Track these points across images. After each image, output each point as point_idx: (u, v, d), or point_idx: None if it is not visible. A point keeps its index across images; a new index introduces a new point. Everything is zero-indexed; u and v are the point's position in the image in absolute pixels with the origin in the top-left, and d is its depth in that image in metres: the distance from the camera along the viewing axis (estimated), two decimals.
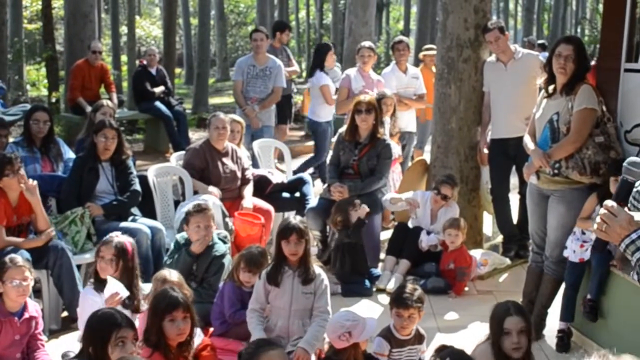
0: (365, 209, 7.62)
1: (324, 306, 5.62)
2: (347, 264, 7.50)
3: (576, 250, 6.03)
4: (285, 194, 8.90)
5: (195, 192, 8.01)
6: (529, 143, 6.47)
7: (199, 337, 5.34)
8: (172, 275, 5.64)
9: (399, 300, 5.35)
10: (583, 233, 6.02)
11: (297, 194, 8.90)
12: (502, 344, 4.74)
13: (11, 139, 8.63)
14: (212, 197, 7.70)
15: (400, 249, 7.73)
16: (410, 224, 8.06)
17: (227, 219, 7.64)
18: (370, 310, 6.67)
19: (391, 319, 5.44)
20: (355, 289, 7.37)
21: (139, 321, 5.28)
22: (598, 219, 3.11)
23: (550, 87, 6.34)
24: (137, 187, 7.53)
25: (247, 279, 6.05)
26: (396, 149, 9.33)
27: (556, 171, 6.11)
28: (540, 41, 25.64)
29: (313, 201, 8.51)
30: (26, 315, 5.35)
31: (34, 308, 5.45)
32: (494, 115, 8.11)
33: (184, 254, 6.50)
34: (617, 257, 5.73)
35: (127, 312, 4.93)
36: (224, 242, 6.85)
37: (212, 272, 6.49)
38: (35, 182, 6.56)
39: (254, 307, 5.68)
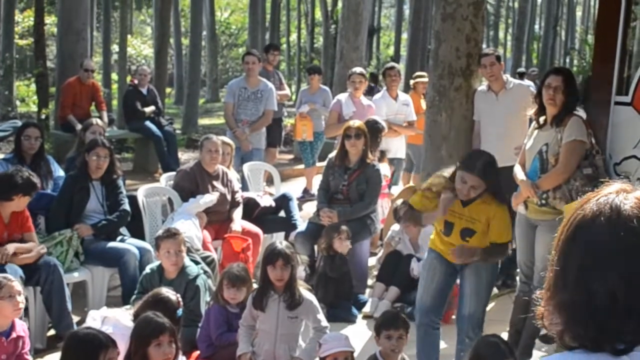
0: (347, 245, 7.64)
1: (319, 323, 5.67)
2: (331, 292, 7.50)
3: None
4: (273, 216, 8.91)
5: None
6: (518, 173, 6.50)
7: None
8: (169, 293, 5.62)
9: (387, 321, 5.38)
10: None
11: (283, 213, 8.93)
12: None
13: (1, 155, 8.63)
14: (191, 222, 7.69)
15: (391, 276, 7.74)
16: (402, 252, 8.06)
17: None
18: (357, 336, 6.66)
19: (378, 346, 5.45)
20: (340, 314, 7.36)
21: None
22: None
23: (541, 119, 6.38)
24: (127, 206, 7.52)
25: (232, 296, 6.05)
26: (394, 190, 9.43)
27: (544, 201, 6.14)
28: (520, 69, 25.74)
29: (301, 223, 8.53)
30: (14, 334, 5.33)
31: (21, 328, 5.43)
32: (483, 144, 8.12)
33: (156, 282, 6.38)
34: None
35: None
36: (197, 263, 6.80)
37: (190, 296, 6.36)
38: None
39: (243, 324, 5.76)
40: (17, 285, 5.35)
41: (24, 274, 6.30)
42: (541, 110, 6.37)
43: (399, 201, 8.02)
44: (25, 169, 6.69)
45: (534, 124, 6.54)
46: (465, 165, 5.60)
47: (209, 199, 7.99)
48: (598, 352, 1.69)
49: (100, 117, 11.87)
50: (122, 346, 4.80)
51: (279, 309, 5.64)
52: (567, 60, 47.93)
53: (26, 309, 6.43)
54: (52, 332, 6.75)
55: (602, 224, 1.69)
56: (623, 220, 1.69)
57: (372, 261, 8.59)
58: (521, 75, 20.29)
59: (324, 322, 5.73)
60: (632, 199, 1.73)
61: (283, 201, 8.99)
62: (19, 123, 10.03)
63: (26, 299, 6.34)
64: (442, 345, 6.76)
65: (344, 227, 7.62)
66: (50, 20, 25.91)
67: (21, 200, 6.41)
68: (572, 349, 1.75)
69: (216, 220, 8.11)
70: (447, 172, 5.86)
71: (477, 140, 8.22)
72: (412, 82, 12.51)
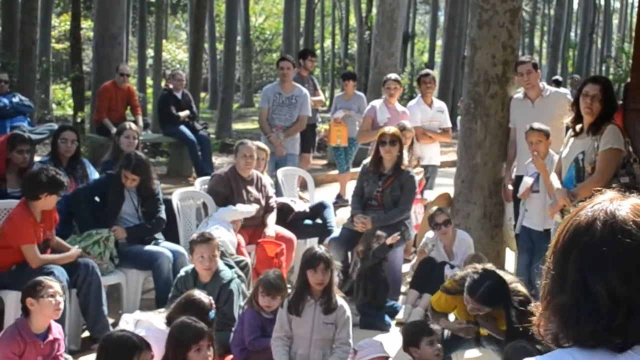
0: (396, 237, 7.61)
1: (345, 338, 5.65)
2: (370, 291, 7.47)
3: None
4: (307, 221, 8.91)
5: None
6: (554, 181, 6.46)
7: None
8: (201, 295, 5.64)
9: (426, 329, 5.50)
10: None
11: (319, 220, 8.92)
12: None
13: (37, 158, 8.69)
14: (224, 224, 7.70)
15: (425, 283, 7.69)
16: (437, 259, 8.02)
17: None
18: (390, 343, 6.63)
19: (414, 356, 5.46)
20: (373, 323, 7.33)
21: None
22: None
23: (578, 127, 6.34)
24: (163, 214, 7.56)
25: (266, 304, 6.04)
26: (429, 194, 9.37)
27: None
28: (555, 77, 25.63)
29: (335, 228, 8.53)
30: (50, 337, 5.36)
31: (57, 330, 5.47)
32: (519, 151, 8.09)
33: (191, 285, 6.38)
34: None
35: None
36: (231, 267, 6.81)
37: (223, 300, 6.37)
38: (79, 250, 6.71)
39: (279, 335, 5.72)
40: (57, 286, 5.39)
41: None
42: (578, 119, 6.34)
43: (434, 208, 7.99)
44: (51, 168, 6.70)
45: (570, 131, 6.50)
46: (469, 288, 5.57)
47: (247, 209, 8.00)
48: (595, 350, 1.76)
49: (136, 121, 11.93)
50: (156, 349, 4.82)
51: (314, 314, 5.64)
52: (603, 68, 47.66)
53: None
54: (86, 333, 6.79)
55: (599, 227, 1.77)
56: (619, 223, 1.76)
57: (405, 268, 8.56)
58: (557, 83, 20.18)
59: (350, 339, 5.71)
60: (626, 205, 1.81)
61: (320, 209, 8.97)
62: (55, 126, 10.10)
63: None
64: (476, 353, 6.72)
65: (383, 233, 7.58)
66: (86, 24, 26.18)
67: (48, 199, 6.41)
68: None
69: (250, 225, 8.12)
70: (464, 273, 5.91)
71: (512, 148, 8.18)
72: None
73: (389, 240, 7.54)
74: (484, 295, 5.47)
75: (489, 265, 6.02)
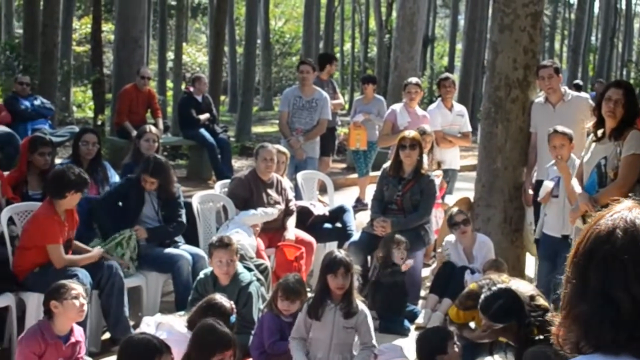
0: (408, 264, 7.57)
1: (370, 341, 5.66)
2: (379, 301, 7.45)
3: None
4: (327, 225, 8.89)
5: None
6: (575, 187, 6.42)
7: None
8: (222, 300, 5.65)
9: (448, 333, 5.46)
10: None
11: (338, 224, 8.90)
12: None
13: (58, 160, 8.72)
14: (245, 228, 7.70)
15: (445, 287, 7.66)
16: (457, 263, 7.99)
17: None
18: (410, 348, 6.61)
19: None
20: (392, 327, 7.30)
21: None
22: None
23: (599, 132, 6.30)
24: (183, 219, 7.57)
25: (285, 307, 6.04)
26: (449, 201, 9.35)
27: None
28: (576, 81, 25.50)
29: (355, 232, 8.50)
30: (72, 339, 5.36)
31: (79, 332, 5.48)
32: (540, 156, 8.06)
33: (210, 287, 6.41)
34: None
35: None
36: (250, 270, 6.81)
37: (242, 303, 6.36)
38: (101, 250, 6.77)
39: (295, 337, 5.72)
40: (80, 288, 5.40)
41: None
42: (599, 123, 6.30)
43: (455, 209, 7.97)
44: (74, 166, 6.75)
45: (591, 136, 6.47)
46: (482, 306, 5.50)
47: (269, 211, 8.00)
48: (618, 356, 1.74)
49: (156, 124, 11.96)
50: (176, 352, 4.82)
51: (334, 318, 5.63)
52: (624, 72, 47.37)
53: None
54: (106, 335, 6.81)
55: (619, 235, 1.76)
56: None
57: (425, 272, 8.54)
58: (578, 88, 20.08)
59: (374, 341, 5.71)
60: None
61: (339, 213, 8.96)
62: (76, 129, 10.13)
63: None
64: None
65: (403, 238, 7.55)
66: (107, 27, 26.27)
67: (73, 197, 6.47)
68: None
69: (270, 228, 8.12)
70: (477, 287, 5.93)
71: (533, 153, 8.14)
72: None
73: (403, 267, 7.50)
74: (496, 313, 5.43)
75: (505, 277, 5.98)
